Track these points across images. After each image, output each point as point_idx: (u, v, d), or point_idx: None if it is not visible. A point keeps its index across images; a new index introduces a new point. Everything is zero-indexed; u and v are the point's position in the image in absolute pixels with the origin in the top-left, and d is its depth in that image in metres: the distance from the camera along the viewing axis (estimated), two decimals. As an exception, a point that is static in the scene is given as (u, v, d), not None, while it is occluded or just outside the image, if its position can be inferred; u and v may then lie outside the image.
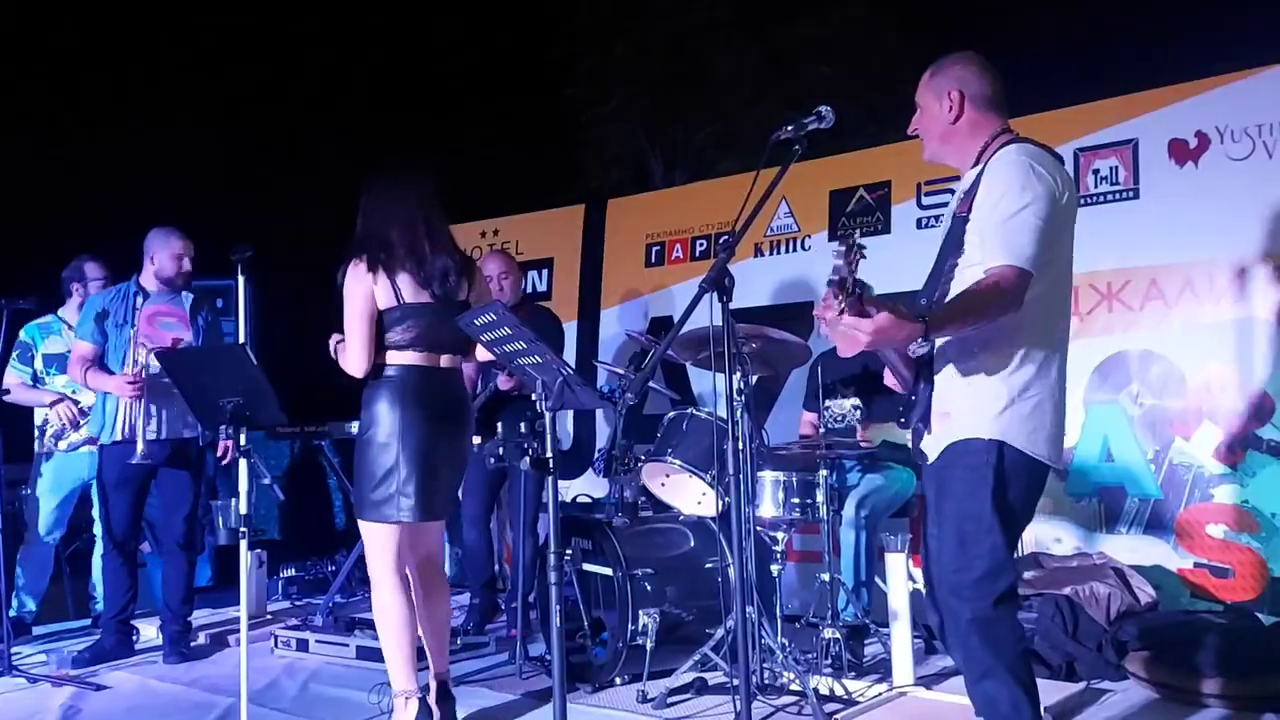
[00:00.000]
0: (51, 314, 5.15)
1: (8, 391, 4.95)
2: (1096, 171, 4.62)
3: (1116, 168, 4.58)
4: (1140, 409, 4.49)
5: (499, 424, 4.58)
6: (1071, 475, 4.58)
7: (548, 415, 2.83)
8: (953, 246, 2.50)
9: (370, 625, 4.42)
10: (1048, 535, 4.59)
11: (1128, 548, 4.38)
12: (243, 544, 3.34)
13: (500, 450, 4.14)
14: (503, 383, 4.76)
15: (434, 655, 3.46)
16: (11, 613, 4.97)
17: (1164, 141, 4.50)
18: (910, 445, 2.70)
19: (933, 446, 2.56)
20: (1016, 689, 2.44)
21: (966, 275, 2.45)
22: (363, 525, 3.38)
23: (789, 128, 2.63)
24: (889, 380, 2.70)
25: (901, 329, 2.19)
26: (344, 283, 3.35)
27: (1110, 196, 4.59)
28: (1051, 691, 3.49)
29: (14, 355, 4.97)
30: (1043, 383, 2.46)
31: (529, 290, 6.31)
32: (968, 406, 2.48)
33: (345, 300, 3.35)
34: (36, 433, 5.10)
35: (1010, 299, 2.34)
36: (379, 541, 3.35)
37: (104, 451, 4.56)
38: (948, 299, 2.44)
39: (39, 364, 5.06)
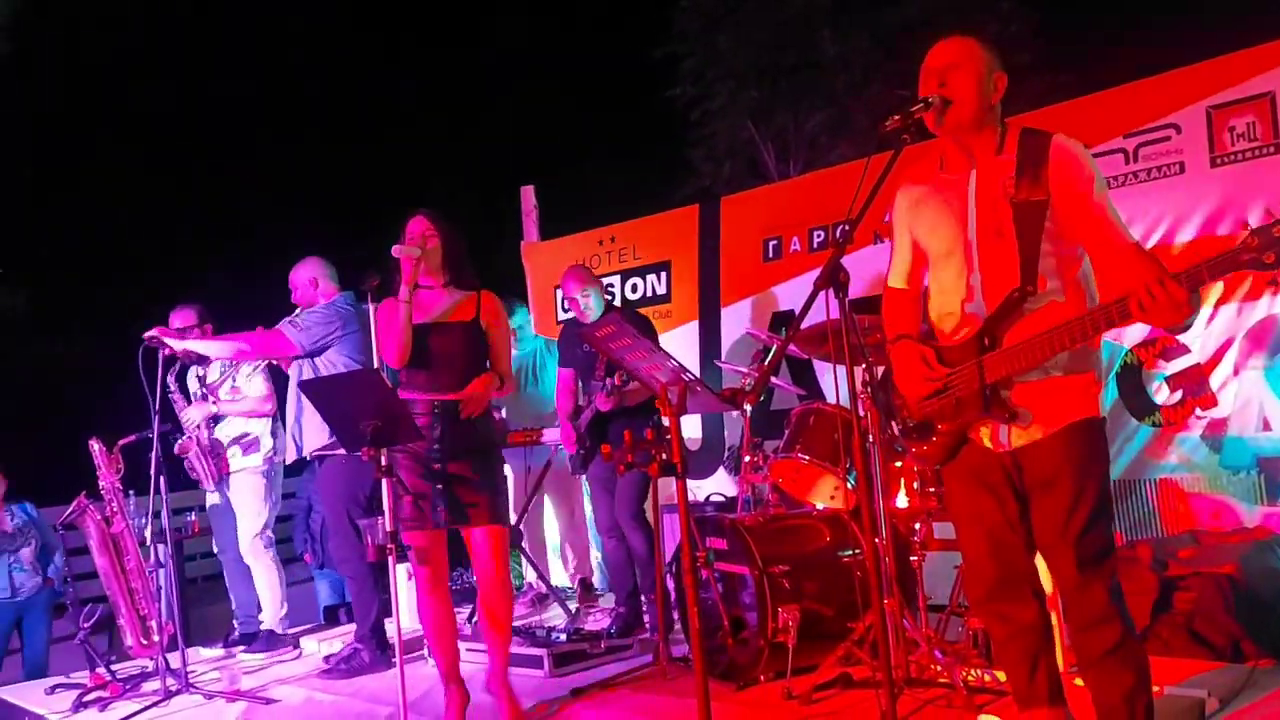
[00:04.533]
0: None
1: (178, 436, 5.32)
2: (1232, 129, 4.39)
3: (1254, 123, 4.35)
4: (1298, 373, 4.25)
5: (608, 433, 4.69)
6: (1226, 447, 4.37)
7: (672, 420, 2.86)
8: (1035, 234, 2.53)
9: (518, 632, 4.55)
10: (1204, 510, 4.39)
11: (1293, 520, 4.15)
12: (390, 559, 3.48)
13: (629, 457, 4.20)
14: (601, 403, 4.80)
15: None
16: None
17: (1305, 91, 4.25)
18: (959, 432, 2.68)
19: (1035, 428, 2.57)
20: (1145, 657, 2.56)
21: (1065, 261, 2.53)
22: (496, 529, 3.64)
23: (896, 116, 2.59)
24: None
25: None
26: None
27: (1248, 154, 4.36)
28: (1216, 673, 3.36)
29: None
30: None
31: (649, 294, 6.39)
32: (1077, 388, 2.55)
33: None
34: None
35: None
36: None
37: (332, 462, 4.79)
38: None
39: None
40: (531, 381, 6.02)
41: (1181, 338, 4.47)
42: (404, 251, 3.64)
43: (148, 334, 4.67)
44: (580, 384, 5.14)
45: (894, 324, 2.84)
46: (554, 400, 5.61)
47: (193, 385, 5.45)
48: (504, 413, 5.63)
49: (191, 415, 5.31)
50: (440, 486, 3.61)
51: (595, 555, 6.16)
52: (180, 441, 5.29)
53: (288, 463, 5.31)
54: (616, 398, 4.69)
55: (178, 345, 4.75)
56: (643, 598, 4.98)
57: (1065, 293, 2.54)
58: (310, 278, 4.97)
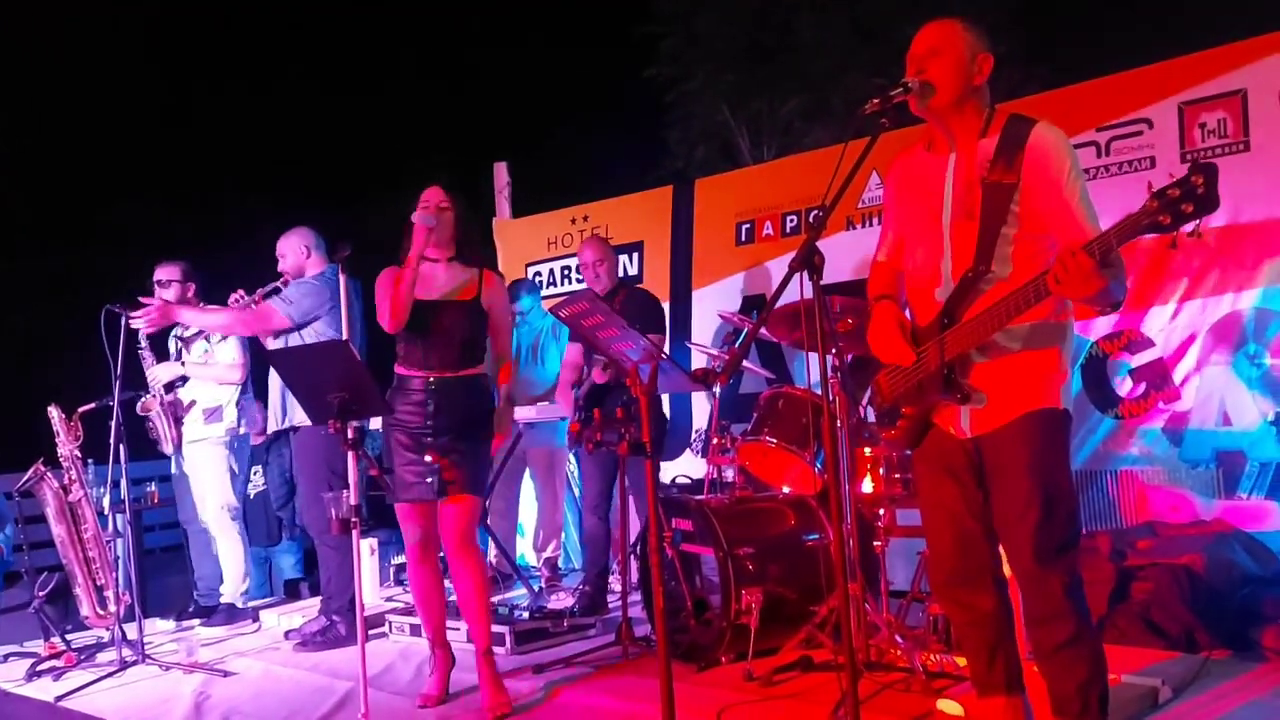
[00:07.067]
0: None
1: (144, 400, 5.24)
2: (1203, 125, 4.43)
3: (1224, 120, 4.39)
4: (1259, 370, 4.31)
5: (605, 408, 4.62)
6: (1186, 440, 4.42)
7: (643, 399, 2.85)
8: (999, 216, 2.54)
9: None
10: (1164, 503, 4.45)
11: (1249, 514, 4.21)
12: (355, 533, 3.45)
13: (598, 435, 4.18)
14: (597, 376, 4.78)
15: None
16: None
17: (1275, 90, 4.28)
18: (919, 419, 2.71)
19: (993, 417, 2.59)
20: (1100, 648, 2.59)
21: (1029, 247, 2.53)
22: (471, 500, 3.62)
23: (874, 101, 2.59)
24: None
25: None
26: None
27: (1219, 151, 4.41)
28: (1170, 663, 3.41)
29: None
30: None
31: (621, 274, 6.34)
32: (1037, 376, 2.56)
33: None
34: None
35: None
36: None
37: (309, 431, 4.62)
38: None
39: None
40: (532, 361, 5.97)
41: (1146, 331, 4.52)
42: (423, 220, 3.62)
43: (137, 309, 4.60)
44: (586, 359, 5.11)
45: (876, 288, 2.86)
46: (553, 381, 5.58)
47: (173, 346, 5.36)
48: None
49: (157, 374, 5.23)
50: (431, 460, 3.60)
51: (563, 537, 6.16)
52: (144, 400, 5.21)
53: (269, 432, 5.24)
54: (613, 371, 4.67)
55: (153, 318, 4.66)
56: (612, 577, 4.97)
57: (1012, 275, 2.53)
58: (304, 245, 4.90)
